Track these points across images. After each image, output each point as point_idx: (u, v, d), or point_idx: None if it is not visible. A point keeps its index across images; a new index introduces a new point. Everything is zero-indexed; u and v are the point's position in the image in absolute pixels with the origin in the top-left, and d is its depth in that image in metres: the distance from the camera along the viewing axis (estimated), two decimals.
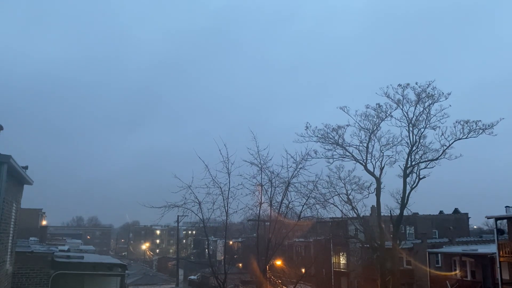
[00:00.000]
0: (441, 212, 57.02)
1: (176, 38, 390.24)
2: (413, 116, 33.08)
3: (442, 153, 32.47)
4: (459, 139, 31.92)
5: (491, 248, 33.76)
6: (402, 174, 33.66)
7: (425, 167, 33.53)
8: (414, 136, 33.35)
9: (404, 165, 33.59)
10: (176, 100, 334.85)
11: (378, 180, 33.83)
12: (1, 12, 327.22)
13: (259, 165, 18.81)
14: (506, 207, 32.49)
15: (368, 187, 33.63)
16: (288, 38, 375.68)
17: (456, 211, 56.47)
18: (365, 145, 34.07)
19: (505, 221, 35.37)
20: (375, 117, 33.48)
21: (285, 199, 19.46)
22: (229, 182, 18.28)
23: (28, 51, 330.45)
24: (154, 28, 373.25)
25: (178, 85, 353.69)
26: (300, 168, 19.39)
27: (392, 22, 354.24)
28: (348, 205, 33.42)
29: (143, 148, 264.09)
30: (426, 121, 32.78)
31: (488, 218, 36.16)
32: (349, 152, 34.17)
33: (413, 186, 33.49)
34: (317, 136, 33.56)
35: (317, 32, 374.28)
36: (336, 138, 33.86)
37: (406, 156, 33.60)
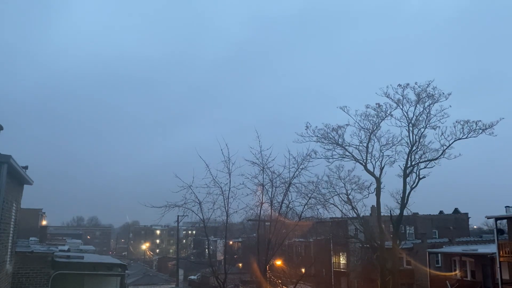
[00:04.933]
0: (441, 212, 57.01)
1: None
2: (413, 116, 33.05)
3: (442, 153, 32.43)
4: (459, 139, 31.88)
5: (491, 248, 33.74)
6: (402, 174, 33.62)
7: (425, 167, 33.49)
8: (414, 136, 33.31)
9: (404, 165, 33.55)
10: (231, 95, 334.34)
11: (378, 180, 33.79)
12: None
13: (261, 165, 18.85)
14: (506, 207, 32.49)
15: (368, 187, 33.59)
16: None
17: (456, 211, 56.47)
18: (365, 145, 34.04)
19: (505, 221, 35.40)
20: (375, 117, 33.47)
21: (285, 199, 19.50)
22: (230, 182, 18.32)
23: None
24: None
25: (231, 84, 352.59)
26: (302, 168, 19.44)
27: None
28: (348, 205, 33.38)
29: (154, 155, 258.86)
30: (426, 121, 32.76)
31: (488, 218, 36.14)
32: (349, 152, 34.15)
33: (413, 186, 33.45)
34: (317, 136, 33.52)
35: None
36: (336, 138, 33.84)
37: (406, 156, 33.58)
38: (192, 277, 61.88)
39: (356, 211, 33.67)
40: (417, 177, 33.44)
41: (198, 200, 18.17)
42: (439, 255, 39.89)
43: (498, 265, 31.39)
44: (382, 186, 33.82)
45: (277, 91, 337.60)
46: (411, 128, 33.26)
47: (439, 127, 32.16)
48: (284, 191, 19.42)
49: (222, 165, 18.29)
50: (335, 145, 33.86)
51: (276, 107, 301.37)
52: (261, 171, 18.97)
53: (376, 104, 33.02)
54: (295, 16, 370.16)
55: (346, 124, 33.59)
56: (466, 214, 56.24)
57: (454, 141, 31.99)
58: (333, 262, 52.74)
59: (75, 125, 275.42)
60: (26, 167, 13.70)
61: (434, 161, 33.04)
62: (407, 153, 33.43)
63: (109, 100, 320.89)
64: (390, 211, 34.59)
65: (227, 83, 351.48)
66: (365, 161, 34.03)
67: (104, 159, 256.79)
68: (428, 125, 32.75)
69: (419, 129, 33.11)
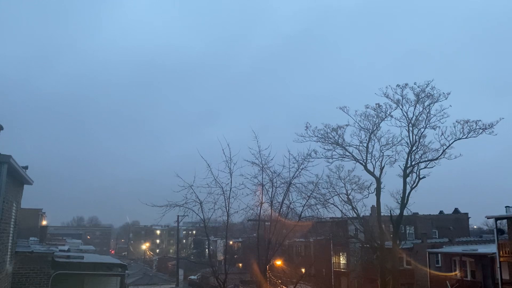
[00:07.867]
0: (441, 212, 57.07)
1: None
2: (412, 116, 33.05)
3: (442, 153, 32.42)
4: (459, 139, 31.86)
5: (491, 248, 33.75)
6: (402, 174, 33.61)
7: (425, 167, 33.49)
8: (414, 136, 33.31)
9: (404, 165, 33.55)
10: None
11: (378, 180, 33.79)
12: None
13: (260, 165, 18.87)
14: (506, 207, 32.47)
15: (368, 187, 33.60)
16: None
17: (456, 211, 56.53)
18: (365, 145, 34.04)
19: (505, 221, 35.34)
20: (375, 117, 33.48)
21: (286, 199, 19.49)
22: (231, 182, 18.34)
23: None
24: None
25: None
26: (302, 169, 19.43)
27: None
28: (348, 205, 33.40)
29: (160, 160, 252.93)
30: (426, 121, 32.75)
31: (488, 218, 36.15)
32: (349, 152, 34.16)
33: (413, 186, 33.45)
34: (317, 136, 33.54)
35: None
36: (336, 138, 33.85)
37: (406, 156, 33.58)
38: (192, 277, 61.88)
39: (356, 211, 33.72)
40: (417, 177, 33.46)
41: (199, 200, 18.20)
42: (439, 255, 39.89)
43: (498, 265, 31.39)
44: (382, 186, 33.87)
45: (313, 88, 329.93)
46: (411, 128, 33.29)
47: (439, 127, 32.19)
48: (284, 191, 19.41)
49: (225, 165, 18.28)
50: (335, 145, 33.90)
51: (312, 104, 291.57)
52: (261, 171, 18.99)
53: (376, 104, 33.08)
54: (349, 11, 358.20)
55: (347, 125, 33.65)
56: (466, 214, 56.28)
57: (454, 141, 32.00)
58: (333, 262, 52.74)
59: (75, 126, 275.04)
60: (26, 167, 13.70)
61: (434, 161, 33.05)
62: (407, 153, 33.45)
63: (113, 103, 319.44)
64: (390, 211, 34.62)
65: (262, 81, 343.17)
66: (365, 161, 34.07)
67: (104, 160, 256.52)
68: (428, 125, 32.77)
69: (419, 129, 33.14)
